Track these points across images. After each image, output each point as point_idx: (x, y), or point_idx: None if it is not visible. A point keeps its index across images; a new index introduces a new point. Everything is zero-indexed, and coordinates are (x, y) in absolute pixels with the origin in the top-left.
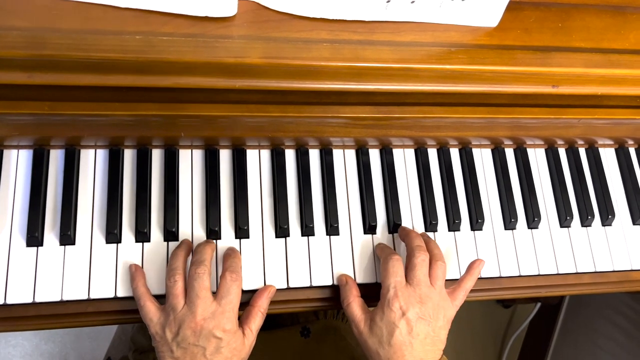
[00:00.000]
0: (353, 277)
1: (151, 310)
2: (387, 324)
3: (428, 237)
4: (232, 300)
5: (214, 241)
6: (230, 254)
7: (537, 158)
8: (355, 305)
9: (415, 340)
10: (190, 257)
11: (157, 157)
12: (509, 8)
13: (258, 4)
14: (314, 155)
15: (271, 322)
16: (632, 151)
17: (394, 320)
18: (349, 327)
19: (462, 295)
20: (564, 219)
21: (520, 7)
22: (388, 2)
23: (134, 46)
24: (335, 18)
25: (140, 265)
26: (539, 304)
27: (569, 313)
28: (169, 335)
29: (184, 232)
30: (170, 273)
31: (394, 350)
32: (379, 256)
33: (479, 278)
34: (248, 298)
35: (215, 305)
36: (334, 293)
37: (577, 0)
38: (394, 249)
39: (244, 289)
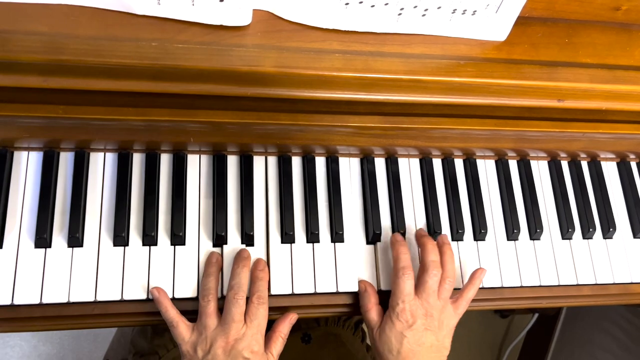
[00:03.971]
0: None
1: (184, 331)
2: (396, 335)
3: (447, 246)
4: (260, 323)
5: (247, 257)
6: (259, 275)
7: (540, 170)
8: (373, 312)
9: (421, 349)
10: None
11: (165, 161)
12: (517, 23)
13: (272, 14)
14: (320, 163)
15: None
16: (633, 165)
17: (402, 331)
18: (350, 334)
19: (464, 304)
20: (566, 231)
21: (528, 22)
22: (399, 14)
23: (150, 53)
24: (347, 29)
25: (147, 268)
26: (536, 315)
27: (567, 324)
28: (200, 353)
29: (190, 236)
30: (203, 293)
31: (402, 357)
32: (392, 257)
33: (480, 288)
34: None
35: (245, 328)
36: (338, 300)
37: (584, 16)
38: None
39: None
